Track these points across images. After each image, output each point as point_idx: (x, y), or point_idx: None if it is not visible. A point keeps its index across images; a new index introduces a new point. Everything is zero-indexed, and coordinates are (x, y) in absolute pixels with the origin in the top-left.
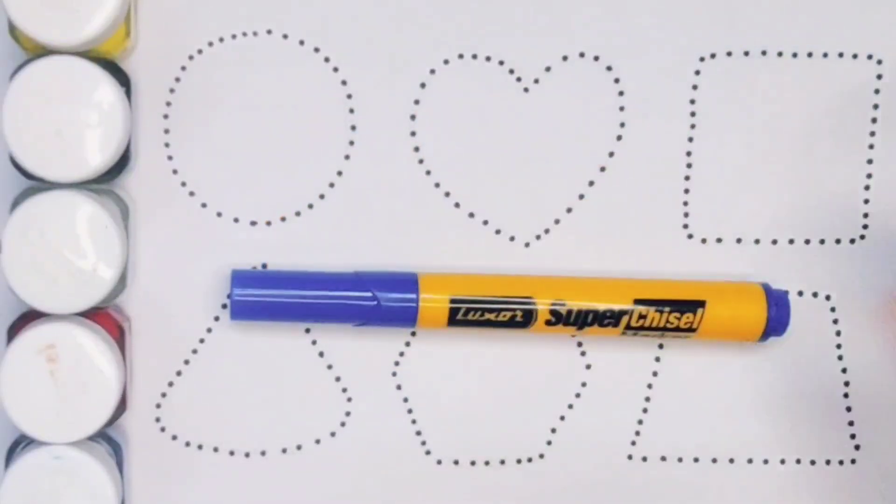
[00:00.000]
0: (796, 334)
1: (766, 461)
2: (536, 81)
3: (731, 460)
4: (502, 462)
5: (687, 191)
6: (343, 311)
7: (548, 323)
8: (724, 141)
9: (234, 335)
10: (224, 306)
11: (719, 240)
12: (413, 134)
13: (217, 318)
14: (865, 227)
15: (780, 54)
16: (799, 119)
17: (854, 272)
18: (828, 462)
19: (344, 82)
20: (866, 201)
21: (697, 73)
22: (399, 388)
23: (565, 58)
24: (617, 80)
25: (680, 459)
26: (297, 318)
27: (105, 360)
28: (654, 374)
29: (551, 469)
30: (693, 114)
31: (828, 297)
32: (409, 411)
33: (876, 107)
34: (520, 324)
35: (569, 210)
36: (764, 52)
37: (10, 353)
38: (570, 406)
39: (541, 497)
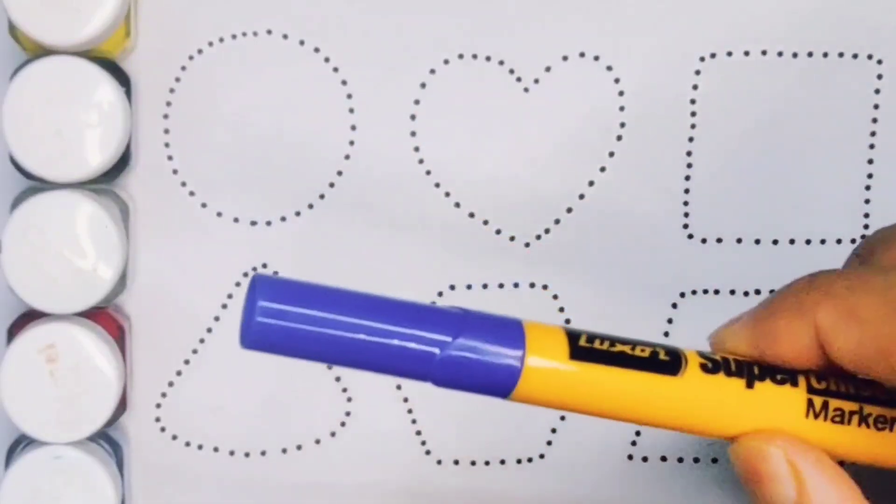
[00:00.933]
0: None
1: None
2: (536, 81)
3: None
4: (502, 462)
5: (687, 191)
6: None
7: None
8: (724, 141)
9: (234, 335)
10: (224, 306)
11: (719, 240)
12: (413, 134)
13: (217, 319)
14: (866, 227)
15: (779, 54)
16: (799, 119)
17: None
18: None
19: (344, 82)
20: (867, 201)
21: (697, 73)
22: (399, 388)
23: (565, 58)
24: (617, 80)
25: (680, 459)
26: (342, 359)
27: (105, 360)
28: None
29: (551, 469)
30: (693, 114)
31: None
32: (409, 411)
33: (876, 107)
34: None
35: (569, 210)
36: (764, 52)
37: (10, 353)
38: None
39: (541, 497)
